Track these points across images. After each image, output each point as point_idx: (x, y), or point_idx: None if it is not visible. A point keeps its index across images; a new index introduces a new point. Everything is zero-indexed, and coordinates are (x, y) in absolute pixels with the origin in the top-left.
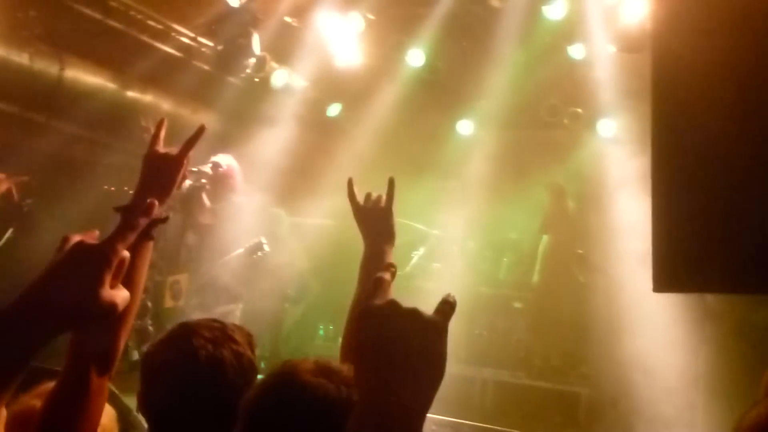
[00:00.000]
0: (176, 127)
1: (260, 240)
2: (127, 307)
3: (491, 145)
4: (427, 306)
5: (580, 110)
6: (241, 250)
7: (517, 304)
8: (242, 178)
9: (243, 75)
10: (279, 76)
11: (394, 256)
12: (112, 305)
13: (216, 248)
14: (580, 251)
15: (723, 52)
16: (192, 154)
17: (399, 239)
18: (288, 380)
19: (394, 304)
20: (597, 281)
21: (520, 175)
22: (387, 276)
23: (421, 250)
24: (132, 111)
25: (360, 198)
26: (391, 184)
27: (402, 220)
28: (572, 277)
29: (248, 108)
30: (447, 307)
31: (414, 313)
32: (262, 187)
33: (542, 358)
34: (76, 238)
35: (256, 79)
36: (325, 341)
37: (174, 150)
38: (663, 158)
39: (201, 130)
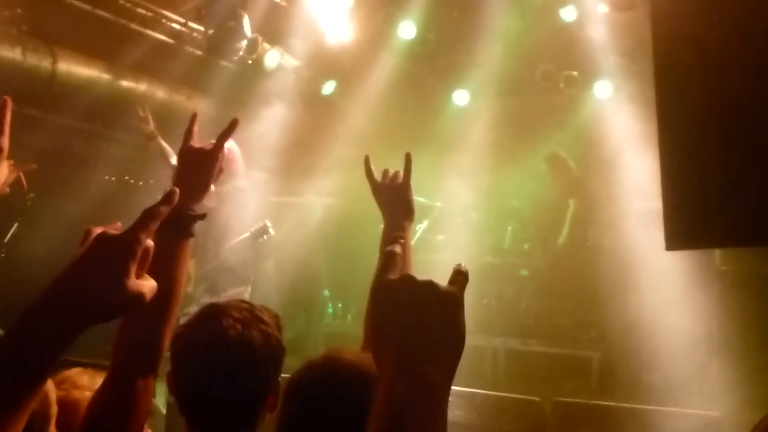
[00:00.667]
0: (171, 114)
1: (265, 223)
2: (169, 303)
3: (488, 114)
4: (438, 278)
5: (575, 73)
6: (246, 235)
7: (524, 272)
8: (243, 162)
9: (235, 58)
10: (271, 57)
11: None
12: (139, 296)
13: (221, 233)
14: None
15: (726, 1)
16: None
17: None
18: (333, 359)
19: (409, 279)
20: (604, 243)
21: (519, 142)
22: (397, 248)
23: (425, 224)
24: (127, 101)
25: (377, 174)
26: (408, 159)
27: None
28: (583, 241)
29: (243, 90)
30: (461, 277)
31: (430, 286)
32: (263, 168)
33: (552, 324)
34: (98, 230)
35: (249, 61)
36: (334, 319)
37: (209, 144)
38: (668, 116)
39: (234, 123)
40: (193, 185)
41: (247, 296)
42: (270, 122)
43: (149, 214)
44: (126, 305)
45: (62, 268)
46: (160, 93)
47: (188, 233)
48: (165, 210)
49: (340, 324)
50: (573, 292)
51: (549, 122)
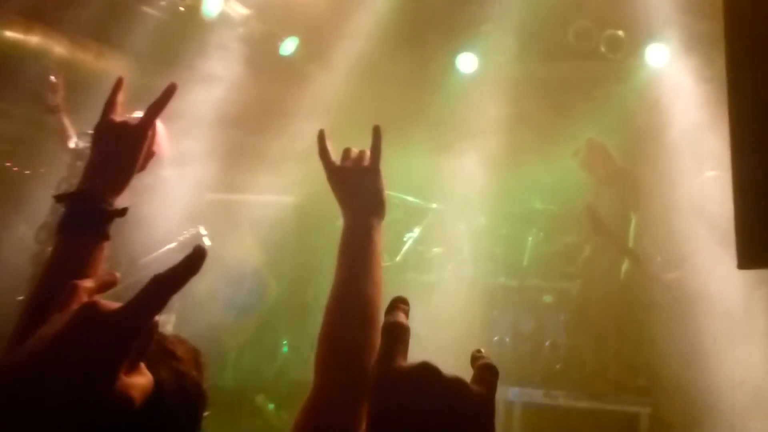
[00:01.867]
0: (74, 77)
1: (198, 231)
2: None
3: (503, 86)
4: (433, 309)
5: (620, 33)
6: (173, 245)
7: (548, 298)
8: (170, 144)
9: (163, 2)
10: (212, 3)
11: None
12: (127, 402)
13: (137, 241)
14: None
15: None
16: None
17: (386, 217)
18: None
19: (428, 371)
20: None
21: (544, 124)
22: (401, 318)
23: (416, 232)
24: (12, 58)
25: (335, 156)
26: (377, 134)
27: (389, 192)
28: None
29: (173, 48)
30: (489, 373)
31: (457, 386)
32: (197, 155)
33: (585, 369)
34: (86, 288)
35: (182, 8)
36: (289, 361)
37: (134, 119)
38: (744, 103)
39: (171, 90)
40: (113, 171)
41: (170, 328)
42: (208, 92)
43: (161, 285)
44: (104, 415)
45: (26, 346)
46: (59, 49)
47: (102, 235)
48: (185, 277)
49: (299, 367)
50: (614, 327)
51: (584, 98)
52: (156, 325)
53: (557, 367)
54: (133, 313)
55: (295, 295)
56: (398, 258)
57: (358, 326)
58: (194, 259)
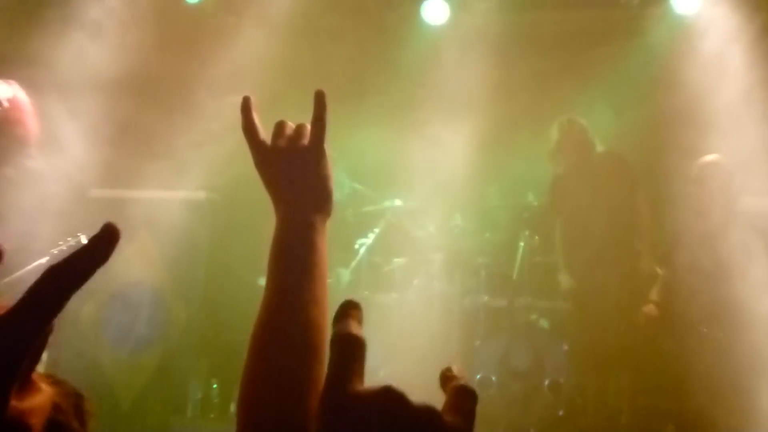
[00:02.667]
0: None
1: (79, 241)
2: None
3: (483, 42)
4: (396, 349)
5: None
6: (43, 260)
7: (546, 323)
8: (37, 123)
9: None
10: None
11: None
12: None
13: None
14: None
15: None
16: None
17: (334, 216)
18: None
19: (392, 398)
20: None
21: (537, 94)
22: (354, 329)
23: (371, 237)
24: None
25: (266, 134)
26: (320, 102)
27: (337, 182)
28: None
29: None
30: (466, 399)
31: (428, 416)
32: (75, 137)
33: (597, 416)
34: None
35: None
36: (204, 411)
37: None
38: None
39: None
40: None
41: (40, 367)
42: (90, 52)
43: (58, 279)
44: None
45: None
46: None
47: None
48: (90, 266)
49: (218, 419)
50: (632, 359)
51: (591, 58)
52: (51, 330)
53: (559, 413)
54: (23, 319)
55: (211, 324)
56: (347, 272)
57: (295, 358)
58: (102, 241)
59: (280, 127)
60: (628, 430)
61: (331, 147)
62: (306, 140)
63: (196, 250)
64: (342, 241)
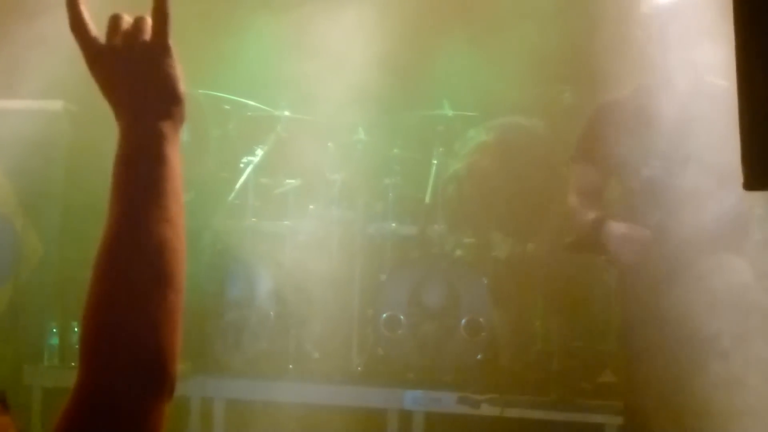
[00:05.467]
0: None
1: None
2: None
3: None
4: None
5: None
6: None
7: (463, 253)
8: None
9: None
10: None
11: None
12: None
13: None
14: None
15: None
16: None
17: (214, 131)
18: None
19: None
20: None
21: None
22: None
23: (258, 154)
24: None
25: (99, 30)
26: None
27: (213, 93)
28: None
29: None
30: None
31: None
32: None
33: (521, 361)
34: None
35: None
36: (61, 358)
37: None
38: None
39: None
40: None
41: None
42: None
43: None
44: None
45: None
46: None
47: None
48: None
49: (76, 368)
50: (564, 296)
51: None
52: None
53: (477, 357)
54: None
55: (71, 259)
56: (231, 196)
57: (145, 285)
58: None
59: (114, 21)
60: (559, 377)
61: (183, 41)
62: (147, 35)
63: (51, 172)
64: (224, 160)
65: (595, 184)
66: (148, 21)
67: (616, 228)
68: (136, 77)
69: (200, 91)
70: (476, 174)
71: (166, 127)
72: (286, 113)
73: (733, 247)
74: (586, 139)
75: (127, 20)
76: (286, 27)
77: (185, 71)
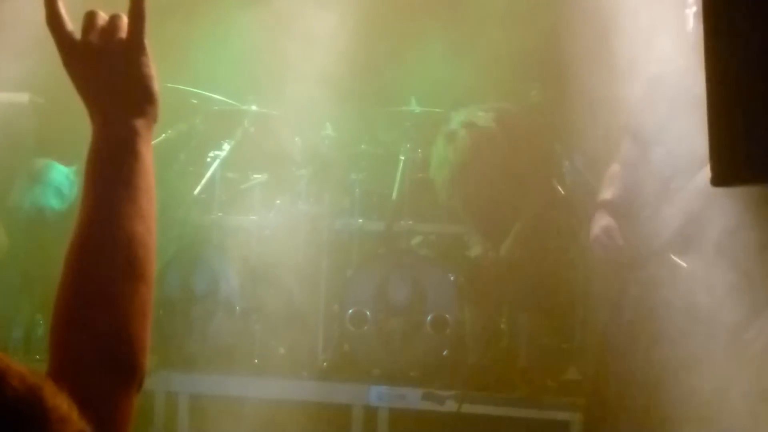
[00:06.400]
0: None
1: None
2: None
3: None
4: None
5: None
6: None
7: (427, 250)
8: None
9: None
10: None
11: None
12: None
13: None
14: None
15: None
16: None
17: (182, 124)
18: None
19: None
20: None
21: None
22: None
23: (225, 149)
24: None
25: (75, 27)
26: None
27: (179, 87)
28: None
29: None
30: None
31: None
32: None
33: (487, 357)
34: None
35: None
36: (26, 351)
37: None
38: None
39: None
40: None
41: None
42: None
43: None
44: None
45: None
46: None
47: None
48: None
49: (41, 360)
50: (531, 293)
51: None
52: None
53: (443, 353)
54: None
55: (37, 251)
56: (197, 190)
57: (116, 278)
58: None
59: (90, 18)
60: (524, 374)
61: (156, 39)
62: (123, 33)
63: (17, 164)
64: (190, 154)
65: (636, 157)
66: (124, 19)
67: (598, 221)
68: (111, 75)
69: (167, 84)
70: (470, 167)
71: (140, 125)
72: (254, 108)
73: (691, 244)
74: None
75: (103, 17)
76: (254, 22)
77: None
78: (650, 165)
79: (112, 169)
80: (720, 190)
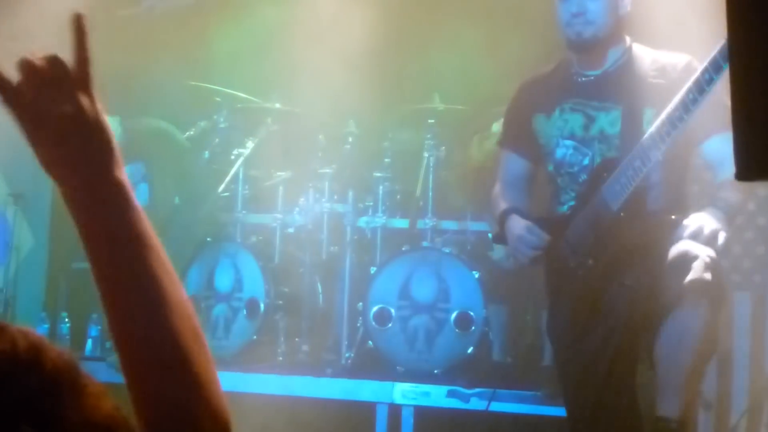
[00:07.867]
0: None
1: None
2: None
3: None
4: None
5: None
6: None
7: (451, 247)
8: None
9: None
10: None
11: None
12: None
13: None
14: None
15: None
16: None
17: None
18: None
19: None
20: None
21: None
22: None
23: (249, 147)
24: None
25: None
26: (78, 27)
27: (202, 84)
28: None
29: None
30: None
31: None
32: None
33: (515, 353)
34: None
35: None
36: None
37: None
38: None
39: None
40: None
41: None
42: None
43: None
44: None
45: None
46: None
47: None
48: None
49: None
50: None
51: None
52: None
53: (468, 351)
54: None
55: (61, 249)
56: (221, 187)
57: (188, 343)
58: None
59: (24, 66)
60: (549, 371)
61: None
62: (68, 75)
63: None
64: (214, 153)
65: (519, 171)
66: (62, 61)
67: (514, 226)
68: (63, 128)
69: (191, 83)
70: None
71: (109, 180)
72: (277, 105)
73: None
74: (509, 122)
75: (37, 59)
76: (278, 19)
77: (175, 65)
78: None
79: (117, 240)
80: None
